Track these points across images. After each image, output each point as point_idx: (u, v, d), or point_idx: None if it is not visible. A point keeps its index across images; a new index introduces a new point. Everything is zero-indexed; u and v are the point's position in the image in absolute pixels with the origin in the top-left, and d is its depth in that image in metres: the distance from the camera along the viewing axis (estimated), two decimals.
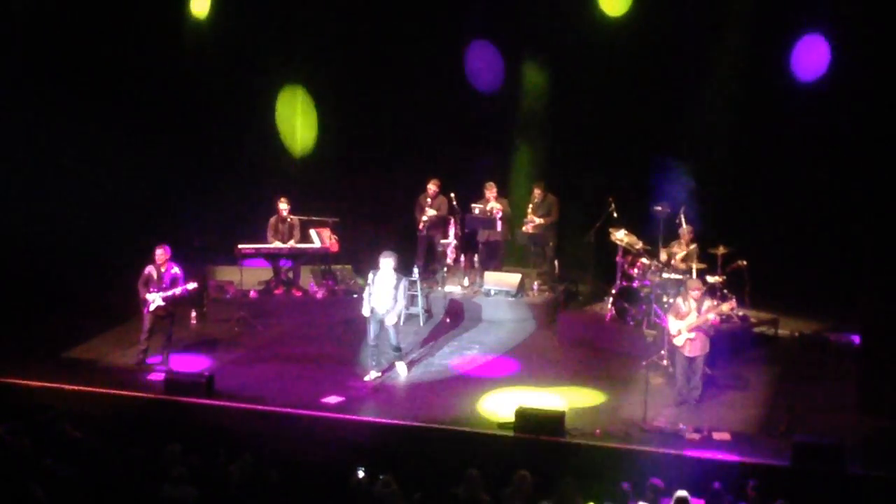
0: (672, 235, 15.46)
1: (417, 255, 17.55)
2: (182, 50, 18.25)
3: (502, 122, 18.74)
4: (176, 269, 14.41)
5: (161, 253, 14.33)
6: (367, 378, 14.06)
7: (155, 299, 14.23)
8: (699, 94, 17.06)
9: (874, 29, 15.15)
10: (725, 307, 13.74)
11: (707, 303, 13.10)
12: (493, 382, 14.15)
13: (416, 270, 16.71)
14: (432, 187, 17.41)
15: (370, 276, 14.03)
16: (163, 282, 14.26)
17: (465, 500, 9.84)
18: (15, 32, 16.48)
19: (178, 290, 14.32)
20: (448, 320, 16.74)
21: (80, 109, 16.86)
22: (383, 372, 14.14)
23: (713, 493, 10.08)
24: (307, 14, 18.69)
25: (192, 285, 14.56)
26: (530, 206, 17.14)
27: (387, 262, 13.80)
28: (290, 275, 17.52)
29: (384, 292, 13.82)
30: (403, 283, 13.93)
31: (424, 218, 17.40)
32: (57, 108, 16.67)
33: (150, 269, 14.33)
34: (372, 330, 14.02)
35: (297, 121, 19.79)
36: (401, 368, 14.14)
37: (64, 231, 16.96)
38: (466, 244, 17.64)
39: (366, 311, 13.98)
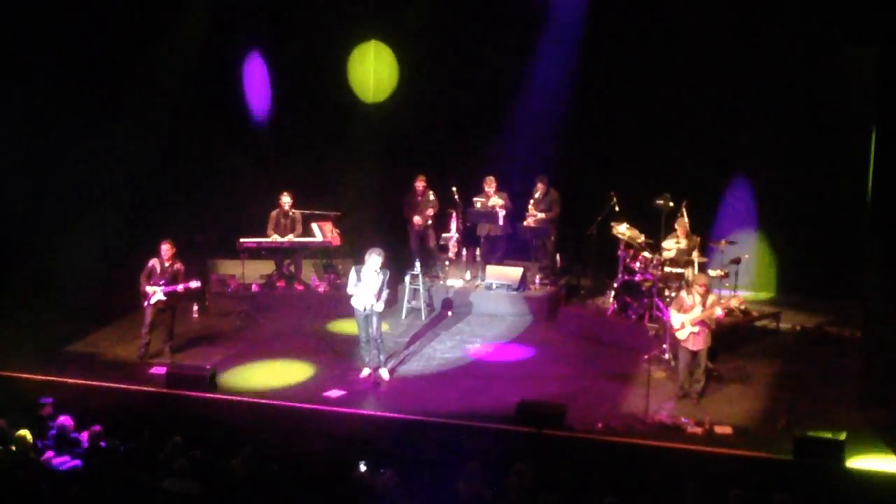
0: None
1: (411, 251, 17.51)
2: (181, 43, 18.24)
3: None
4: (179, 265, 14.44)
5: (167, 248, 14.35)
6: (361, 375, 14.05)
7: (155, 292, 14.25)
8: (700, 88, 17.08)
9: None
10: (734, 302, 13.73)
11: (711, 297, 13.09)
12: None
13: (417, 264, 16.70)
14: (420, 185, 17.41)
15: (353, 272, 13.82)
16: (165, 276, 14.28)
17: (466, 493, 9.85)
18: (15, 27, 16.44)
19: (179, 287, 14.34)
20: (450, 314, 16.74)
21: (79, 103, 16.83)
22: (375, 368, 14.09)
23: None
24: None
25: (194, 283, 14.58)
26: (531, 200, 17.12)
27: (373, 260, 13.68)
28: (292, 268, 17.54)
29: (369, 288, 13.72)
30: (387, 276, 13.81)
31: (418, 220, 17.39)
32: (56, 103, 16.64)
33: (153, 263, 14.36)
34: (362, 328, 13.96)
35: None
36: (383, 373, 14.05)
37: (65, 225, 16.95)
38: (468, 238, 17.63)
39: (358, 306, 13.79)
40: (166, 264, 14.32)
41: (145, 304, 14.39)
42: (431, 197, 17.47)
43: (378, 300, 13.68)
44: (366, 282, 13.69)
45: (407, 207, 17.63)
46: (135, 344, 14.74)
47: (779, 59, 16.56)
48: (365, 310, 13.75)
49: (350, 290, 13.85)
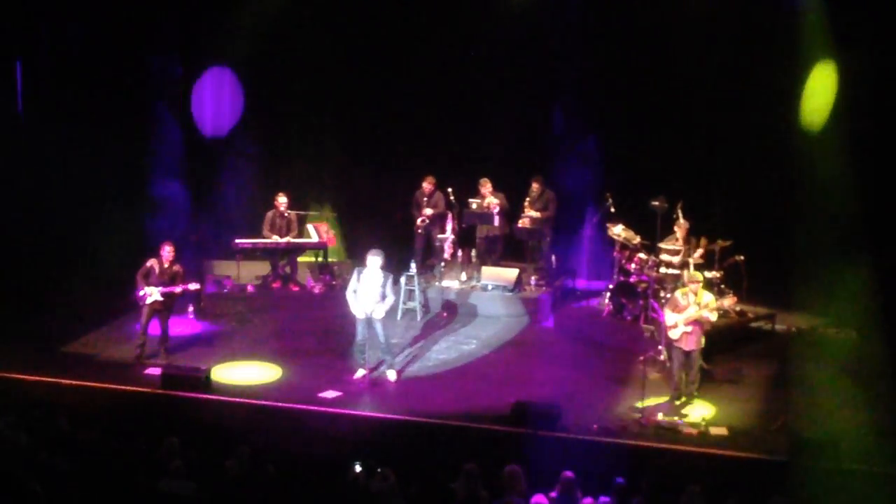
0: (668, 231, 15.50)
1: (415, 250, 17.54)
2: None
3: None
4: (178, 267, 14.47)
5: (169, 250, 14.39)
6: (355, 376, 14.04)
7: (153, 293, 14.25)
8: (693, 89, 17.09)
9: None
10: (727, 302, 13.74)
11: (706, 297, 13.09)
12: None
13: (413, 265, 16.70)
14: (427, 185, 17.40)
15: (355, 273, 13.92)
16: (164, 277, 14.30)
17: (462, 494, 9.85)
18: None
19: (178, 289, 14.37)
20: (445, 315, 16.74)
21: (74, 105, 16.86)
22: (371, 369, 14.10)
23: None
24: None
25: (193, 286, 14.63)
26: (527, 199, 17.13)
27: (374, 261, 13.69)
28: (288, 269, 17.54)
29: (371, 290, 13.74)
30: (390, 279, 13.86)
31: (420, 220, 17.39)
32: (51, 104, 16.66)
33: (152, 263, 14.38)
34: (359, 328, 13.95)
35: None
36: (391, 374, 14.08)
37: (62, 225, 16.96)
38: (464, 239, 17.62)
39: (357, 312, 13.88)
40: (165, 266, 14.35)
41: (142, 304, 14.40)
42: (436, 198, 17.43)
43: (379, 305, 13.72)
44: (366, 285, 13.71)
45: (413, 206, 17.62)
46: (130, 345, 14.72)
47: (774, 62, 16.57)
48: (365, 315, 13.78)
49: (348, 293, 13.87)
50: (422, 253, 17.61)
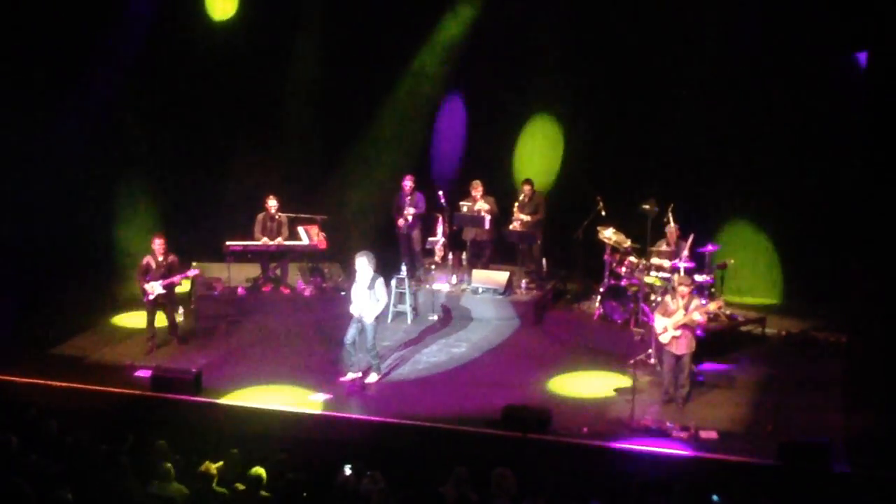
0: (659, 234, 15.51)
1: (401, 253, 17.51)
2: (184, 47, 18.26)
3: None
4: (173, 257, 14.69)
5: (160, 242, 14.64)
6: (345, 378, 14.04)
7: (154, 288, 14.36)
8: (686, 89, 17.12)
9: None
10: (713, 306, 13.76)
11: (695, 301, 13.11)
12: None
13: (403, 268, 16.68)
14: (408, 183, 17.37)
15: (353, 276, 14.02)
16: (161, 270, 14.46)
17: (452, 497, 9.84)
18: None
19: (176, 278, 14.51)
20: (435, 318, 16.72)
21: (70, 106, 16.85)
22: (362, 372, 14.10)
23: None
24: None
25: (192, 272, 14.79)
26: (517, 203, 17.10)
27: (361, 263, 13.74)
28: (278, 272, 17.50)
29: (360, 292, 13.79)
30: (378, 280, 13.87)
31: (401, 222, 17.37)
32: (42, 102, 16.62)
33: (148, 259, 14.61)
34: (350, 330, 13.96)
35: None
36: (371, 377, 14.09)
37: (51, 227, 16.92)
38: (454, 242, 17.60)
39: (354, 311, 13.91)
40: (160, 258, 14.51)
41: (146, 300, 14.60)
42: (416, 198, 17.42)
43: (368, 308, 13.72)
44: (357, 287, 13.73)
45: (394, 208, 17.59)
46: (121, 346, 14.74)
47: (767, 62, 16.60)
48: (358, 315, 13.78)
49: (352, 293, 14.00)
50: (407, 256, 17.55)
